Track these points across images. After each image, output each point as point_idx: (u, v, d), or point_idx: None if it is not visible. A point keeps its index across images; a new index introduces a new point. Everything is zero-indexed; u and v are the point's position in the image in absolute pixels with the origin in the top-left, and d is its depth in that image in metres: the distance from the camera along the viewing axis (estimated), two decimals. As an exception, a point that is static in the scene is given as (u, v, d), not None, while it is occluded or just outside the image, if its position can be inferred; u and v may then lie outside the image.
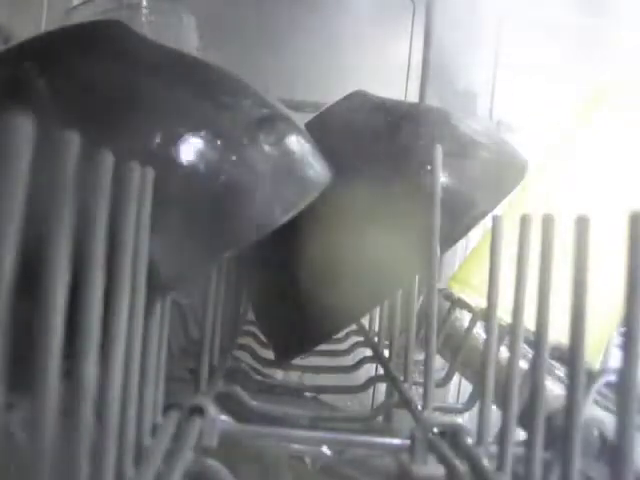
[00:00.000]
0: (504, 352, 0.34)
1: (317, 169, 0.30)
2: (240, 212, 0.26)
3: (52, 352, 0.14)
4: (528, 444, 0.22)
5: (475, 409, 0.30)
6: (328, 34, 0.74)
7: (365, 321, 0.54)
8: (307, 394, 0.55)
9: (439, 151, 0.34)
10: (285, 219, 0.28)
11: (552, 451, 0.24)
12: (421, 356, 0.35)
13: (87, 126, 0.15)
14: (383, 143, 0.39)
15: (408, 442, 0.28)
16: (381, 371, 0.45)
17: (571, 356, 0.20)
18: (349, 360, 0.50)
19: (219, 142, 0.26)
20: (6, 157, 0.12)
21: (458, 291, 0.49)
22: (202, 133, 0.26)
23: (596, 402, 0.32)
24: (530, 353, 0.31)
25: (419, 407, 0.32)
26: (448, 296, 0.48)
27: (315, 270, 0.37)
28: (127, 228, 0.19)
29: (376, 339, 0.50)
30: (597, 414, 0.32)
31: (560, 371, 0.38)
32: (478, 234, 0.50)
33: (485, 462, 0.25)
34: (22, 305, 0.13)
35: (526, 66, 0.72)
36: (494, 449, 0.24)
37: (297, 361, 0.45)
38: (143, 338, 0.22)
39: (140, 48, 0.29)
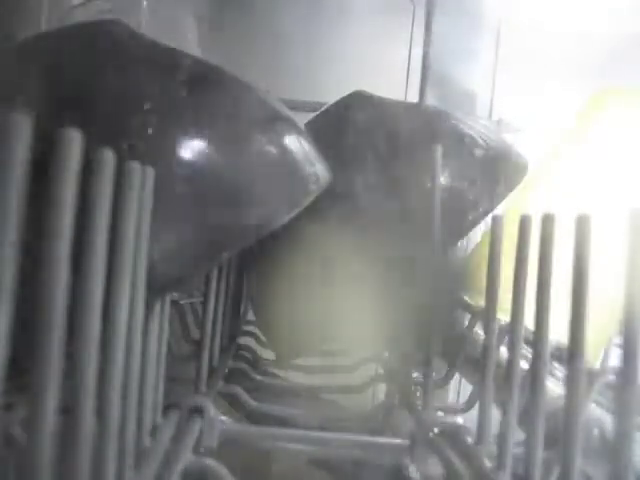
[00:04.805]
0: (505, 352, 0.34)
1: (317, 169, 0.30)
2: (240, 212, 0.26)
3: (52, 352, 0.14)
4: (528, 444, 0.22)
5: (475, 409, 0.30)
6: (328, 34, 0.74)
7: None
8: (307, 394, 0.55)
9: (439, 151, 0.34)
10: (285, 219, 0.28)
11: (552, 451, 0.24)
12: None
13: (87, 125, 0.15)
14: (383, 143, 0.39)
15: (408, 442, 0.28)
16: (381, 371, 0.45)
17: (571, 356, 0.20)
18: (349, 360, 0.50)
19: (219, 142, 0.26)
20: (5, 156, 0.12)
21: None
22: (202, 133, 0.26)
23: (596, 402, 0.32)
24: (530, 353, 0.31)
25: (419, 407, 0.32)
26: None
27: (315, 270, 0.37)
28: (127, 228, 0.19)
29: (376, 339, 0.50)
30: (597, 414, 0.32)
31: (560, 371, 0.37)
32: (478, 234, 0.50)
33: (485, 462, 0.25)
34: (22, 305, 0.13)
35: (526, 66, 0.72)
36: (494, 449, 0.24)
37: (297, 361, 0.45)
38: (143, 338, 0.22)
39: (140, 48, 0.29)
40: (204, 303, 0.35)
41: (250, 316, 0.53)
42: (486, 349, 0.26)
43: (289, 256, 0.39)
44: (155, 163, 0.21)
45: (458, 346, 0.41)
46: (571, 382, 0.20)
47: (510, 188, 0.39)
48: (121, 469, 0.20)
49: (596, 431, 0.31)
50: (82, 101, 0.26)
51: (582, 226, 0.20)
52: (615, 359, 0.45)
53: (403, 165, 0.37)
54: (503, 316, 0.27)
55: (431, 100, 0.72)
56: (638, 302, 0.18)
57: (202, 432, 0.27)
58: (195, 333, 0.44)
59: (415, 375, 0.38)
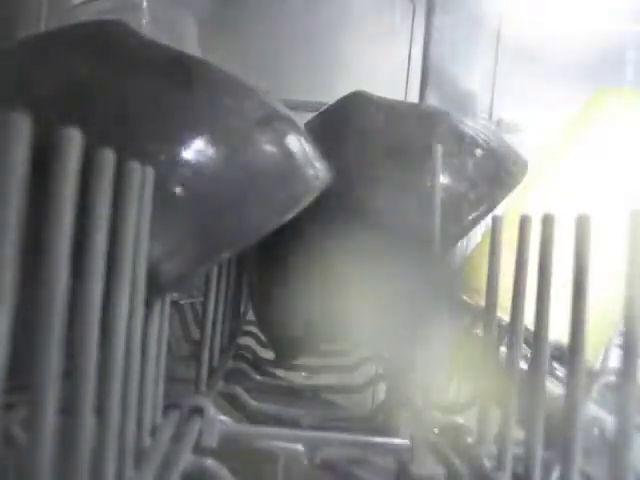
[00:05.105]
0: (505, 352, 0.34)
1: (317, 169, 0.30)
2: (240, 212, 0.26)
3: (52, 352, 0.14)
4: (528, 444, 0.22)
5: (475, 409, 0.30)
6: (328, 34, 0.74)
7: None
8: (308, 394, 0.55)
9: (439, 151, 0.34)
10: (285, 219, 0.28)
11: (552, 451, 0.24)
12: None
13: (87, 125, 0.15)
14: (383, 143, 0.39)
15: (408, 442, 0.28)
16: (381, 371, 0.45)
17: (571, 356, 0.20)
18: (349, 360, 0.50)
19: (218, 142, 0.26)
20: (5, 156, 0.12)
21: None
22: (201, 133, 0.26)
23: (596, 402, 0.32)
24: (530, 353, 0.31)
25: (419, 407, 0.32)
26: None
27: (315, 270, 0.37)
28: (127, 228, 0.19)
29: (376, 339, 0.50)
30: (597, 414, 0.32)
31: (560, 371, 0.37)
32: (478, 234, 0.50)
33: (485, 462, 0.25)
34: (22, 305, 0.13)
35: (526, 66, 0.72)
36: (494, 449, 0.24)
37: (297, 361, 0.45)
38: (143, 338, 0.22)
39: (140, 48, 0.29)
40: (204, 303, 0.35)
41: (250, 316, 0.53)
42: (486, 349, 0.26)
43: (289, 256, 0.39)
44: (155, 163, 0.21)
45: (458, 346, 0.41)
46: (571, 382, 0.20)
47: (510, 188, 0.39)
48: (121, 469, 0.20)
49: (596, 431, 0.31)
50: (82, 101, 0.26)
51: (582, 226, 0.20)
52: (615, 359, 0.46)
53: (403, 165, 0.37)
54: (503, 315, 0.27)
55: (431, 100, 0.72)
56: (638, 302, 0.18)
57: (202, 432, 0.27)
58: (195, 333, 0.44)
59: (415, 375, 0.38)
